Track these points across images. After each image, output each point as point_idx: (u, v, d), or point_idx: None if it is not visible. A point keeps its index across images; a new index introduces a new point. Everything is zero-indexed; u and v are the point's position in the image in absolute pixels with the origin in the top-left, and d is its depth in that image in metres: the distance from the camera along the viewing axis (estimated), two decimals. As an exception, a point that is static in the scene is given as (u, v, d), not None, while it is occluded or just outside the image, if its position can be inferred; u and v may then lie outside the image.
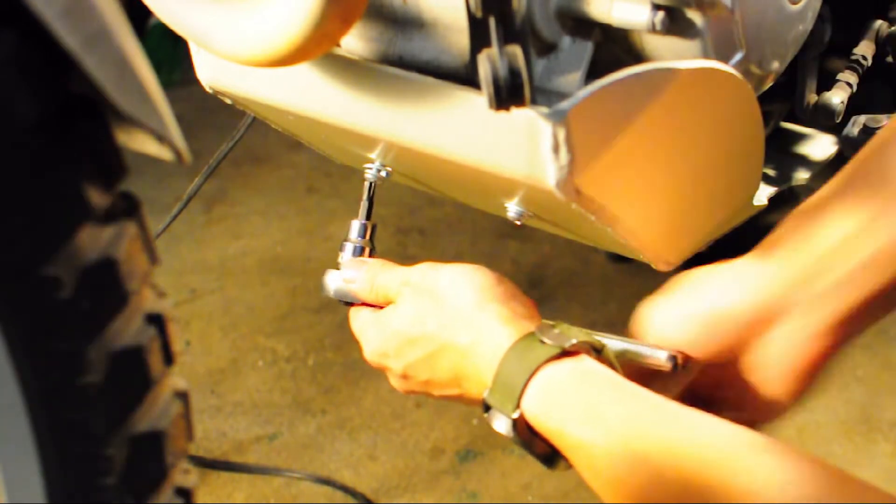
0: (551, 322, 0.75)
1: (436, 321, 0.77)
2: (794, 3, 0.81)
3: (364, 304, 0.84)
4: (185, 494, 0.73)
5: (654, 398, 0.69)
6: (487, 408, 0.73)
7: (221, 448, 1.50)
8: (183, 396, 0.72)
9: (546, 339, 0.72)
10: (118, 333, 0.66)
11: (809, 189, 1.57)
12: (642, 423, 0.67)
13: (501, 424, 0.72)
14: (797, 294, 0.74)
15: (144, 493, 0.70)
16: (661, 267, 0.83)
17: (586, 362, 0.71)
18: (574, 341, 0.72)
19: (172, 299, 0.72)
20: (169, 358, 0.70)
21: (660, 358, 0.74)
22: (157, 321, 0.68)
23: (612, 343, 0.75)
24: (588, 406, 0.69)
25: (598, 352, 0.73)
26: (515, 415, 0.71)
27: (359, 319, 0.84)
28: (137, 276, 0.66)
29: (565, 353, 0.71)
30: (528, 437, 0.72)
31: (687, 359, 0.74)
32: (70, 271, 0.62)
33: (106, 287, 0.64)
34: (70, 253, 0.62)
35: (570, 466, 0.72)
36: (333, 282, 0.86)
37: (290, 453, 1.49)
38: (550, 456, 0.73)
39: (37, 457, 0.66)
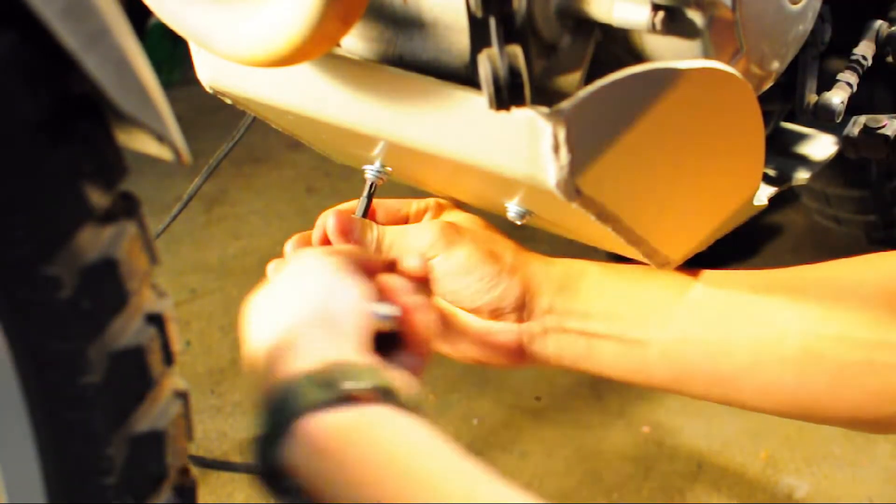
0: (352, 359, 0.64)
1: (269, 311, 0.70)
2: (795, 3, 0.81)
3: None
4: (185, 494, 0.73)
5: (429, 449, 0.59)
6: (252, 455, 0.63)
7: (221, 448, 1.50)
8: (183, 396, 0.72)
9: (327, 381, 0.61)
10: (118, 333, 0.66)
11: (810, 189, 1.57)
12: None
13: (261, 474, 0.62)
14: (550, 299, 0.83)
15: (144, 493, 0.70)
16: (661, 267, 0.83)
17: (365, 412, 0.60)
18: (352, 386, 0.61)
19: (172, 299, 0.71)
20: (169, 358, 0.70)
21: (383, 313, 0.70)
22: (157, 321, 0.68)
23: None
24: (345, 473, 0.58)
25: (391, 396, 0.62)
26: (269, 468, 0.61)
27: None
28: (137, 276, 0.66)
29: (347, 399, 0.60)
30: (282, 490, 0.61)
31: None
32: (70, 271, 0.62)
33: (106, 287, 0.64)
34: (70, 253, 0.62)
35: None
36: None
37: (290, 453, 1.49)
38: None
39: (37, 457, 0.66)
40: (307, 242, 0.86)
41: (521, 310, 0.84)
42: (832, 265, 0.82)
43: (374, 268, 0.75)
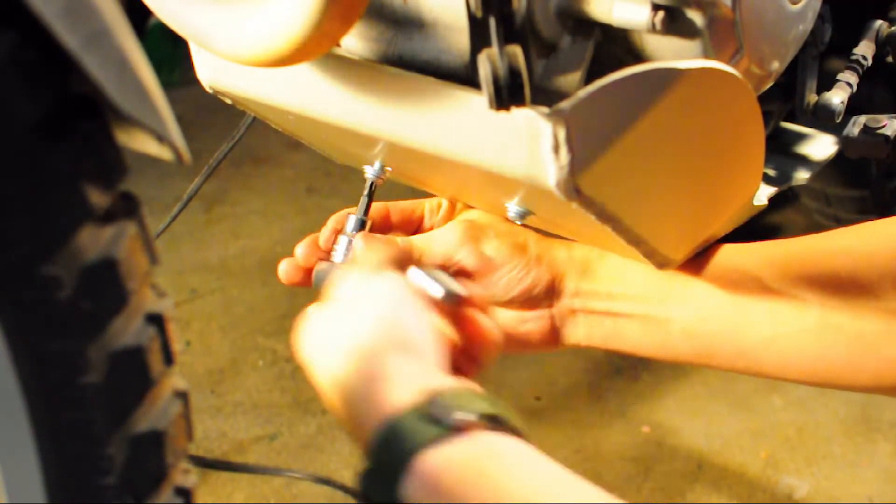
0: (449, 385, 0.64)
1: (346, 339, 0.69)
2: (794, 3, 0.81)
3: None
4: (185, 494, 0.73)
5: (552, 476, 0.59)
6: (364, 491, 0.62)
7: (221, 448, 1.50)
8: (183, 396, 0.72)
9: (434, 414, 0.60)
10: (118, 333, 0.65)
11: (810, 189, 1.57)
12: None
13: None
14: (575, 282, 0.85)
15: (144, 493, 0.70)
16: (661, 267, 0.83)
17: (479, 442, 0.60)
18: (462, 416, 0.60)
19: (172, 299, 0.71)
20: (169, 358, 0.70)
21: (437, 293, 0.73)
22: (157, 321, 0.68)
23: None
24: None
25: (499, 422, 0.61)
26: None
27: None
28: (137, 276, 0.66)
29: (456, 429, 0.60)
30: None
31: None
32: (70, 271, 0.62)
33: (106, 287, 0.64)
34: (70, 253, 0.62)
35: None
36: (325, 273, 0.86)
37: (290, 453, 1.49)
38: None
39: (37, 457, 0.66)
40: (316, 247, 0.87)
41: (551, 295, 0.86)
42: (845, 233, 0.83)
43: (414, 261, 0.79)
